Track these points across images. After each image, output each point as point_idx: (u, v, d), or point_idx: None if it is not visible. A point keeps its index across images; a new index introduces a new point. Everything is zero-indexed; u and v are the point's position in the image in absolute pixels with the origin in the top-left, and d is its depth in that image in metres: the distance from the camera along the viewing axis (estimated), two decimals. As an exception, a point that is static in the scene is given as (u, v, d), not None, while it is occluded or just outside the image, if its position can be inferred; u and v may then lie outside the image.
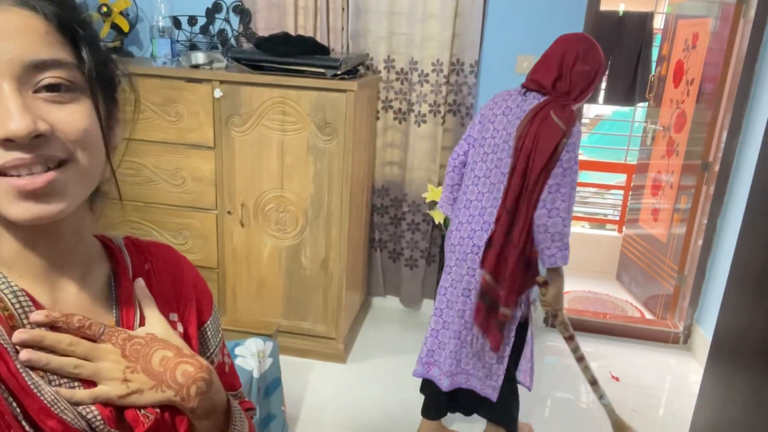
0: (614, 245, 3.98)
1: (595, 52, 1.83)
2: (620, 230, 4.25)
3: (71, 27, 0.52)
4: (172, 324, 0.67)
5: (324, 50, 2.38)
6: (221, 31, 2.70)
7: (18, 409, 0.50)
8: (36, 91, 0.50)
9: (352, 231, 2.50)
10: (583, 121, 7.76)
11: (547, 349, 2.83)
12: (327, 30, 2.71)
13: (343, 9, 2.67)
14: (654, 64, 3.67)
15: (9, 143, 0.48)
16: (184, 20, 2.69)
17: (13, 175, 0.49)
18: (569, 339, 1.96)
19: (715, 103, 2.78)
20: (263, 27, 2.71)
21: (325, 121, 2.29)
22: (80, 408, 0.54)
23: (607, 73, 3.74)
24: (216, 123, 2.37)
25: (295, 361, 2.57)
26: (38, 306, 0.55)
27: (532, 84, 1.85)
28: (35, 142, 0.49)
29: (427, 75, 2.71)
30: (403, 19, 2.67)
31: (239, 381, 0.82)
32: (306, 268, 2.51)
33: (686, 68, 3.13)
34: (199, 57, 2.38)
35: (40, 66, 0.49)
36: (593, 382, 1.98)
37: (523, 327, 1.96)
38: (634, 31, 3.56)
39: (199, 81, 2.32)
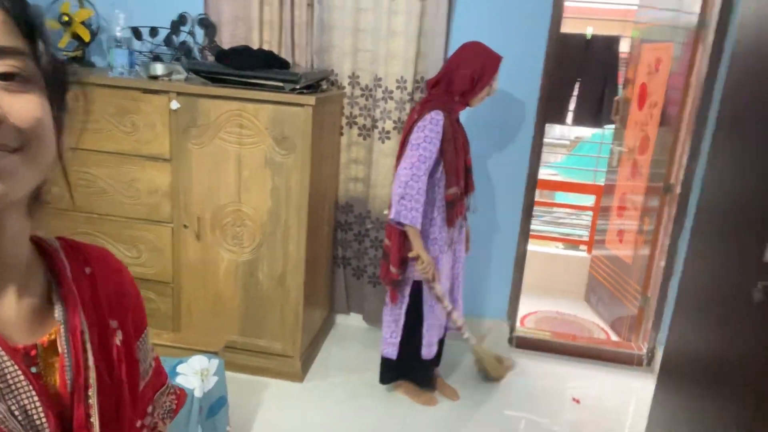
0: (583, 266, 3.98)
1: (477, 58, 2.16)
2: (590, 251, 4.25)
3: (28, 19, 0.51)
4: (112, 331, 0.64)
5: (284, 64, 2.37)
6: (183, 43, 2.67)
7: None
8: None
9: (311, 247, 2.46)
10: (562, 142, 7.90)
11: (520, 372, 2.80)
12: (292, 45, 2.70)
13: (308, 25, 2.67)
14: (620, 87, 3.72)
15: None
16: (146, 32, 2.66)
17: None
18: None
19: (676, 126, 2.81)
20: (228, 41, 2.70)
21: (282, 135, 2.26)
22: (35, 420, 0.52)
23: (576, 95, 3.78)
24: (173, 135, 2.33)
25: (250, 380, 2.51)
26: None
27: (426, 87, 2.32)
28: None
29: (391, 92, 2.70)
30: (367, 36, 2.67)
31: (166, 373, 0.80)
32: (263, 284, 2.46)
33: (650, 92, 3.17)
34: (158, 68, 2.35)
35: None
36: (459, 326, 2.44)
37: (417, 294, 2.31)
38: (601, 54, 3.61)
39: (156, 92, 2.29)
